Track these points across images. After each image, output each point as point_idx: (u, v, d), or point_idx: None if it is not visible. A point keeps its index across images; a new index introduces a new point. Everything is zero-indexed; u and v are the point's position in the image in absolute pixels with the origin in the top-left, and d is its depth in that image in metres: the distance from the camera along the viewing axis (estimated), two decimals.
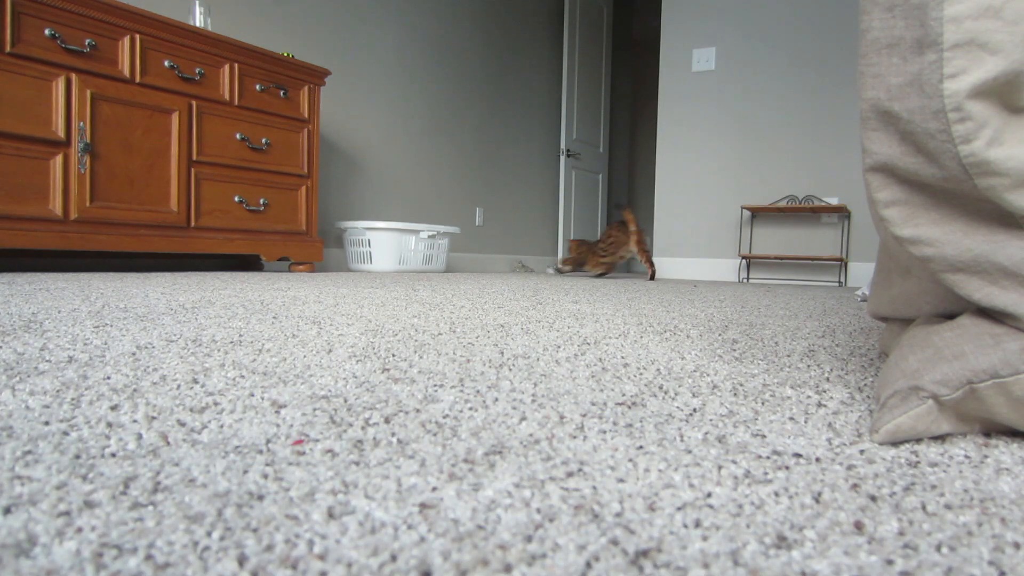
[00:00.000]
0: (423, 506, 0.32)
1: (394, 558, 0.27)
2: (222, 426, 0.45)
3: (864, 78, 0.47)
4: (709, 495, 0.35)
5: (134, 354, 0.71)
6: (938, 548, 0.30)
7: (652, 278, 3.78)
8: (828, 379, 0.69)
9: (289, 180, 3.00)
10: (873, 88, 0.46)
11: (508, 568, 0.27)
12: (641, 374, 0.69)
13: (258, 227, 2.87)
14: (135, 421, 0.46)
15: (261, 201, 2.87)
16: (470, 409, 0.52)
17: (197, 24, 2.74)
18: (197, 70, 2.61)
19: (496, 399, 0.56)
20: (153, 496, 0.33)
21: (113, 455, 0.38)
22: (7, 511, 0.30)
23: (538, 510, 0.32)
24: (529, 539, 0.29)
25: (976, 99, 0.42)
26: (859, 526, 0.32)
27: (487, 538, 0.29)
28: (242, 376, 0.62)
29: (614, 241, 3.78)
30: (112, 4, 2.32)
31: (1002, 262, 0.44)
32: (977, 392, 0.44)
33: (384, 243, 3.51)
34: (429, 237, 3.70)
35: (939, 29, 0.42)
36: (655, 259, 4.41)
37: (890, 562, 0.28)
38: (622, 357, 0.80)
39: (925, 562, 0.28)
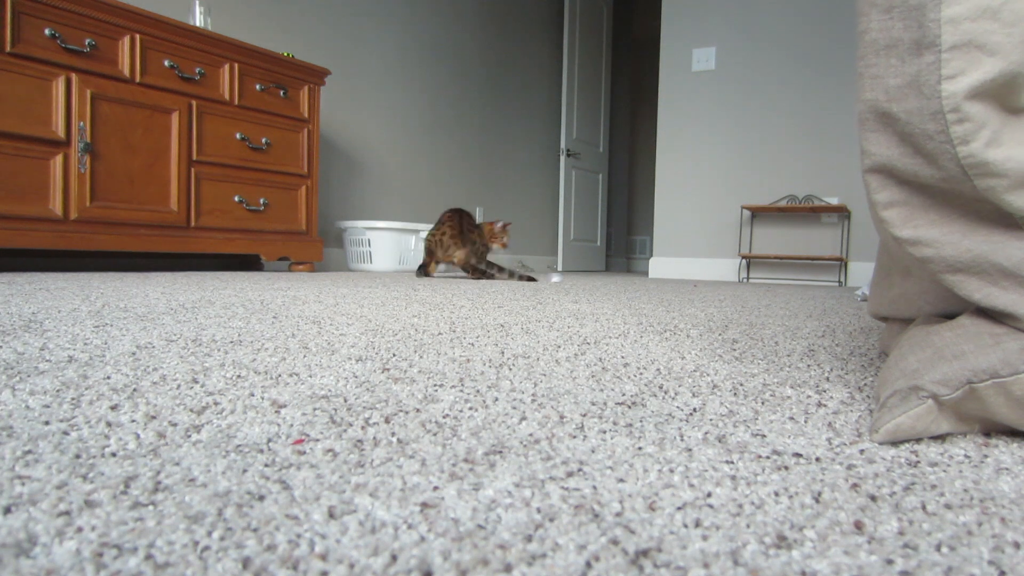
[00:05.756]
0: (424, 505, 0.32)
1: (395, 558, 0.27)
2: (222, 426, 0.45)
3: (863, 79, 0.47)
4: (709, 495, 0.35)
5: (134, 354, 0.71)
6: (938, 548, 0.30)
7: None
8: (828, 379, 0.69)
9: (289, 180, 3.00)
10: (872, 89, 0.46)
11: (508, 568, 0.27)
12: (641, 374, 0.69)
13: (258, 227, 2.87)
14: (135, 421, 0.46)
15: (261, 201, 2.87)
16: (470, 409, 0.52)
17: (197, 24, 2.73)
18: (197, 70, 2.61)
19: (496, 399, 0.56)
20: (153, 496, 0.33)
21: (113, 455, 0.38)
22: (7, 511, 0.30)
23: (538, 510, 0.32)
24: (529, 539, 0.29)
25: (974, 100, 0.42)
26: (859, 526, 0.32)
27: (487, 538, 0.29)
28: (242, 376, 0.62)
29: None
30: (112, 4, 2.32)
31: (1001, 263, 0.44)
32: (977, 392, 0.44)
33: (384, 243, 3.51)
34: None
35: (937, 31, 0.42)
36: (656, 258, 4.41)
37: (890, 562, 0.28)
38: (622, 357, 0.80)
39: (925, 562, 0.28)
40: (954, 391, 0.44)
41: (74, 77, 2.25)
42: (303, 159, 3.05)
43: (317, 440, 0.42)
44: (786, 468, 0.40)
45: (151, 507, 0.31)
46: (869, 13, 0.46)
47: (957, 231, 0.46)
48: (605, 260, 6.45)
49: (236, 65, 2.75)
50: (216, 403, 0.51)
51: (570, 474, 0.38)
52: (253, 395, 0.54)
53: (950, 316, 0.54)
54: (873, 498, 0.36)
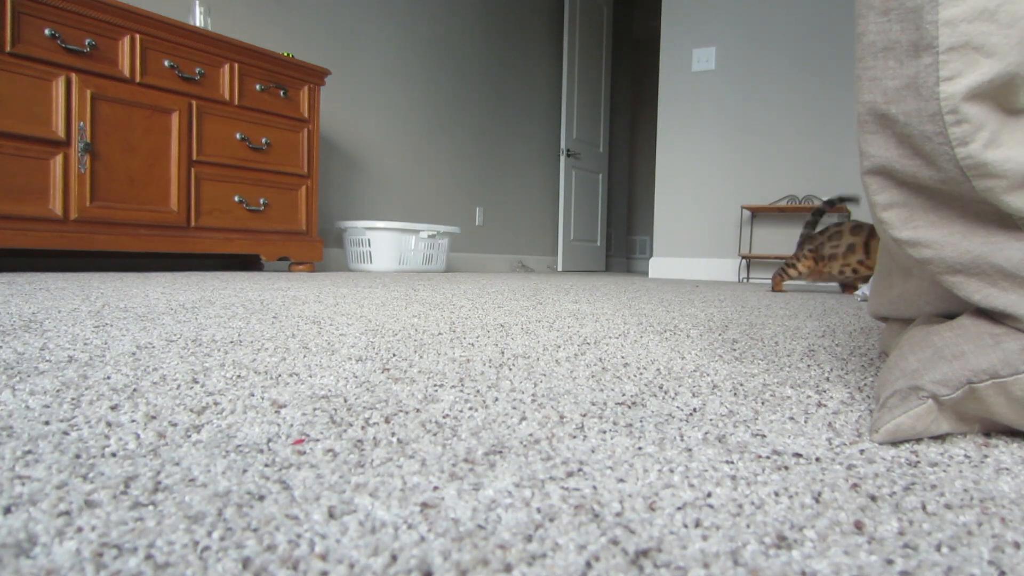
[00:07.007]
0: (424, 505, 0.32)
1: (395, 558, 0.27)
2: (222, 426, 0.45)
3: (861, 81, 0.47)
4: (709, 495, 0.35)
5: (134, 354, 0.71)
6: (938, 548, 0.30)
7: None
8: (828, 379, 0.69)
9: (289, 180, 3.00)
10: (870, 91, 0.46)
11: (508, 568, 0.27)
12: (641, 374, 0.69)
13: (258, 227, 2.87)
14: (135, 421, 0.46)
15: (261, 201, 2.87)
16: (470, 409, 0.52)
17: (197, 24, 2.73)
18: (197, 70, 2.61)
19: (496, 399, 0.56)
20: (153, 496, 0.33)
21: (113, 455, 0.38)
22: (7, 511, 0.30)
23: (538, 510, 0.32)
24: (529, 539, 0.29)
25: (972, 101, 0.42)
26: (859, 526, 0.32)
27: (487, 538, 0.29)
28: (242, 376, 0.62)
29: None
30: (112, 4, 2.32)
31: (1001, 263, 0.44)
32: (977, 392, 0.44)
33: (384, 243, 3.51)
34: (429, 237, 3.70)
35: (934, 32, 0.42)
36: (656, 258, 4.41)
37: (890, 562, 0.28)
38: (622, 357, 0.80)
39: (925, 562, 0.28)
40: (954, 391, 0.44)
41: (74, 77, 2.25)
42: (303, 159, 3.05)
43: (317, 440, 0.42)
44: (786, 468, 0.40)
45: (151, 507, 0.31)
46: (867, 15, 0.46)
47: (957, 232, 0.46)
48: (605, 260, 6.45)
49: (236, 65, 2.75)
50: (216, 403, 0.51)
51: (570, 474, 0.38)
52: (253, 395, 0.54)
53: (950, 316, 0.54)
54: (873, 498, 0.36)
